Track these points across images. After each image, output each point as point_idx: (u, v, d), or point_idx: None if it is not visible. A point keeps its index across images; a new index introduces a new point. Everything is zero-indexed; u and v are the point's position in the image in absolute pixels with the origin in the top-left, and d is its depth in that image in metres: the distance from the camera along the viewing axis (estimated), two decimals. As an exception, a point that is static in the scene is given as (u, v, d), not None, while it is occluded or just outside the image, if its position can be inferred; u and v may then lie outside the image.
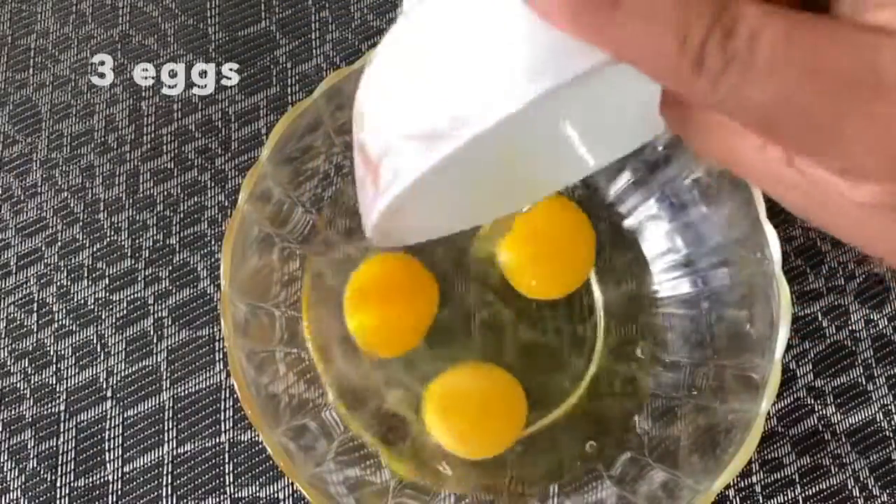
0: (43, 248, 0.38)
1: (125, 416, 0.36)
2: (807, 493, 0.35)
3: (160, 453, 0.36)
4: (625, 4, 0.14)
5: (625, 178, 0.36)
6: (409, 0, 0.19)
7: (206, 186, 0.39)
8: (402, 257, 0.36)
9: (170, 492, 0.35)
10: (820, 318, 0.37)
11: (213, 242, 0.38)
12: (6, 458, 0.36)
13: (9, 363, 0.37)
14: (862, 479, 0.35)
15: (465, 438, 0.34)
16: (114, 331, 0.37)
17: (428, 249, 0.37)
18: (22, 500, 0.35)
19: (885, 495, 0.35)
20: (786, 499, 0.35)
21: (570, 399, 0.35)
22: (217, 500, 0.35)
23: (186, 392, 0.36)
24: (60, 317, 0.37)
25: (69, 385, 0.36)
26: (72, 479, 0.35)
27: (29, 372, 0.37)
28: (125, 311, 0.37)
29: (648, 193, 0.36)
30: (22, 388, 0.37)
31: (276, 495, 0.35)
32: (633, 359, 0.36)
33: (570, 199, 0.37)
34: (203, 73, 0.40)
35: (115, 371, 0.37)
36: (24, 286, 0.38)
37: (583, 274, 0.37)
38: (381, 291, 0.35)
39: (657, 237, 0.36)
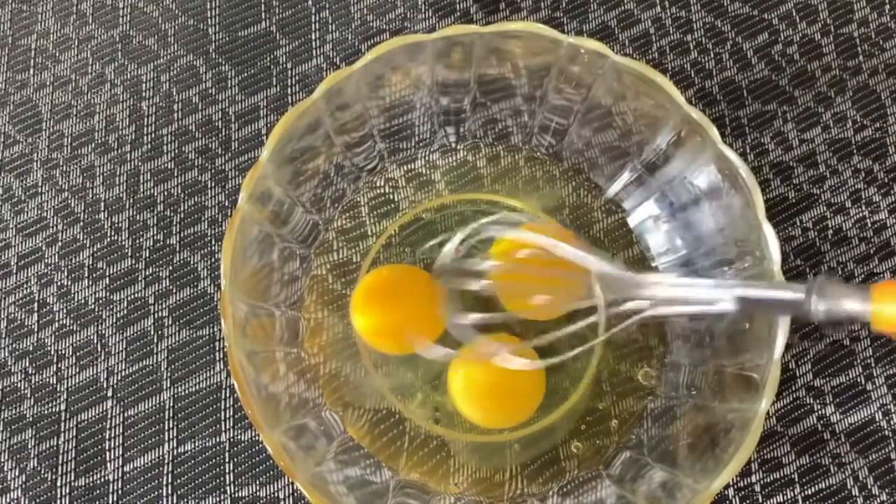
0: (43, 248, 0.38)
1: (126, 415, 0.36)
2: (806, 492, 0.35)
3: (160, 453, 0.36)
4: None
5: (625, 178, 0.36)
6: None
7: (206, 186, 0.39)
8: (410, 267, 0.36)
9: (170, 491, 0.35)
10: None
11: (213, 242, 0.38)
12: (7, 457, 0.36)
13: (9, 363, 0.37)
14: (861, 478, 0.35)
15: (490, 411, 0.34)
16: (114, 330, 0.37)
17: (425, 255, 0.37)
18: (22, 500, 0.35)
19: (883, 494, 0.35)
20: (785, 498, 0.35)
21: (570, 399, 0.35)
22: (217, 499, 0.35)
23: (187, 392, 0.36)
24: (61, 316, 0.37)
25: (70, 385, 0.37)
26: (72, 478, 0.36)
27: (30, 371, 0.37)
28: (126, 311, 0.37)
29: (648, 193, 0.36)
30: (23, 387, 0.37)
31: (276, 495, 0.35)
32: (633, 359, 0.36)
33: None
34: (203, 73, 0.40)
35: (115, 371, 0.37)
36: (25, 286, 0.38)
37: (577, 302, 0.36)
38: (396, 294, 0.35)
39: (657, 237, 0.36)
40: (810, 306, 0.27)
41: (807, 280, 0.29)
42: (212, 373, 0.37)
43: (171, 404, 0.36)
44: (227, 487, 0.35)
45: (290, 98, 0.40)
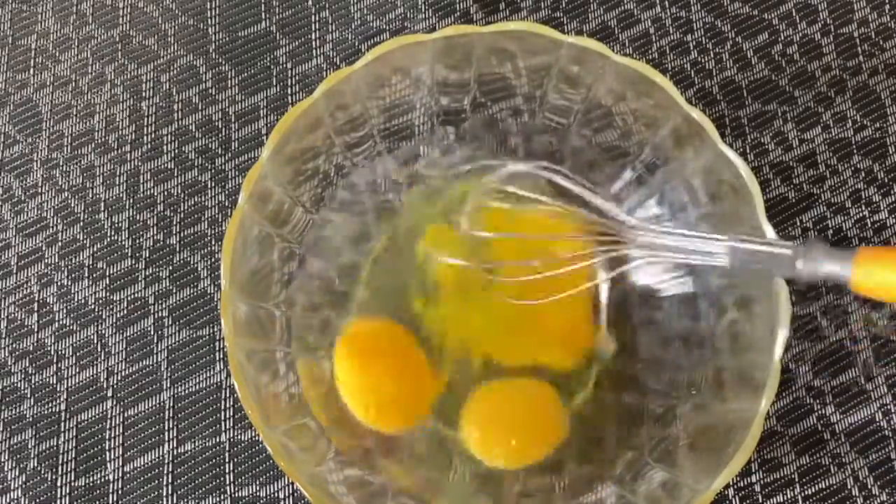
0: (43, 248, 0.38)
1: (125, 415, 0.36)
2: (806, 492, 0.35)
3: (160, 453, 0.36)
4: None
5: (625, 178, 0.36)
6: None
7: (206, 186, 0.39)
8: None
9: (170, 491, 0.35)
10: (819, 318, 0.37)
11: (213, 242, 0.38)
12: (7, 457, 0.36)
13: (9, 363, 0.37)
14: (861, 478, 0.35)
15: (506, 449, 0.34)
16: (114, 330, 0.37)
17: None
18: (22, 500, 0.35)
19: (883, 494, 0.35)
20: (785, 498, 0.35)
21: (573, 401, 0.35)
22: (217, 499, 0.35)
23: (187, 392, 0.36)
24: (61, 317, 0.37)
25: (70, 385, 0.37)
26: (72, 478, 0.36)
27: (30, 371, 0.37)
28: (125, 311, 0.37)
29: (648, 193, 0.36)
30: (23, 387, 0.37)
31: (276, 495, 0.35)
32: (634, 359, 0.36)
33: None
34: (203, 73, 0.40)
35: (115, 371, 0.37)
36: (25, 286, 0.38)
37: None
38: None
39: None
40: (797, 265, 0.28)
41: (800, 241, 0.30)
42: (212, 373, 0.37)
43: (171, 404, 0.36)
44: (227, 487, 0.35)
45: (290, 98, 0.40)
